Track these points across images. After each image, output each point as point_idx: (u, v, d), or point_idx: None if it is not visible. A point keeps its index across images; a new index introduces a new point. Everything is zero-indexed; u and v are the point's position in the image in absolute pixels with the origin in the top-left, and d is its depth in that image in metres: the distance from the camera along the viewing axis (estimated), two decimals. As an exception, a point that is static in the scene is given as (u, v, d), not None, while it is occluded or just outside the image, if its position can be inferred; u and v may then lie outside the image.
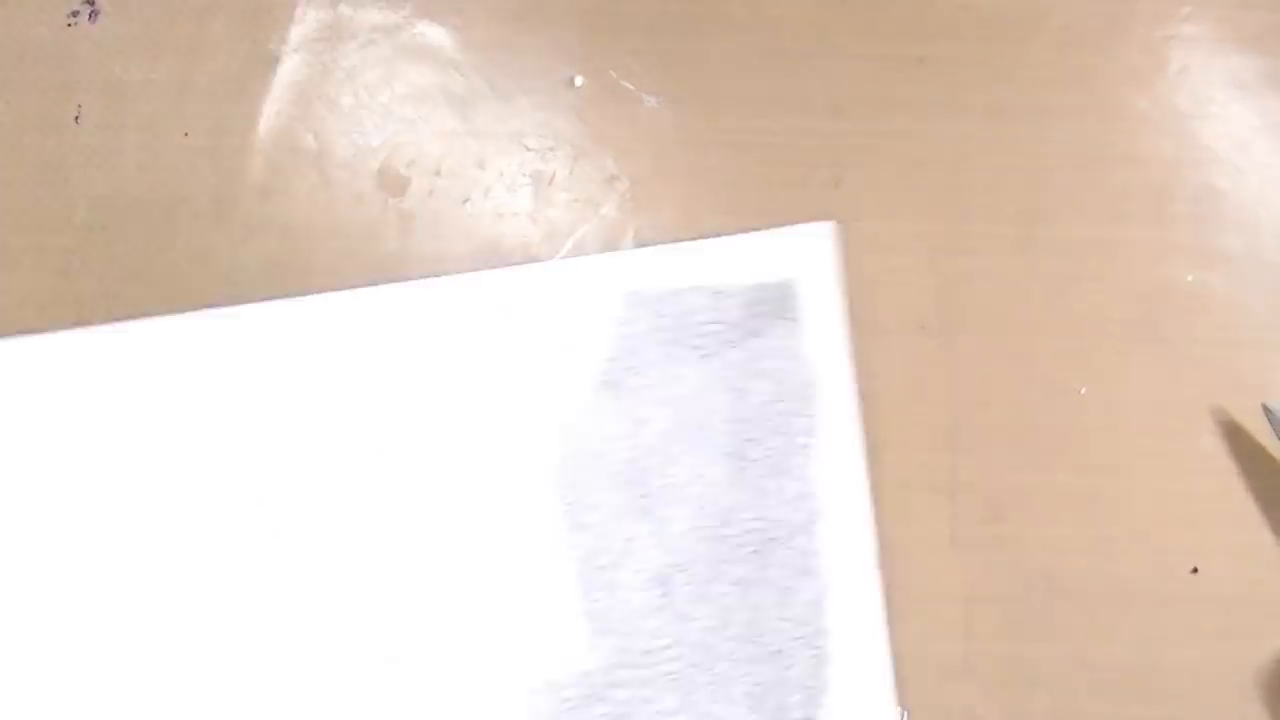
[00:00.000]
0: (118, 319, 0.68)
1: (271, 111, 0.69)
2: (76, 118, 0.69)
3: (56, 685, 0.58)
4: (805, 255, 0.62)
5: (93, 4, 0.69)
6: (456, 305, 0.61)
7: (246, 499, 0.60)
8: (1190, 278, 0.68)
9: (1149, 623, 0.67)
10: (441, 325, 0.61)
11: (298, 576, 0.59)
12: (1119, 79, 0.68)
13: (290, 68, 0.69)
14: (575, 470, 0.61)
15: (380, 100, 0.68)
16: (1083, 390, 0.67)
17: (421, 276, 0.64)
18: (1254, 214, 0.68)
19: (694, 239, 0.64)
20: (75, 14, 0.69)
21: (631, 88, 0.68)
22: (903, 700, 0.61)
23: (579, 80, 0.68)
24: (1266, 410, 0.66)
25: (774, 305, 0.61)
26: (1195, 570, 0.67)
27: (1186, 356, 0.67)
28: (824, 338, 0.62)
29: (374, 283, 0.63)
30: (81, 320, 0.68)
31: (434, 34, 0.69)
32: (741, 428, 0.61)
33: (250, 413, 0.61)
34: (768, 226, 0.64)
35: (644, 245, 0.65)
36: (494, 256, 0.66)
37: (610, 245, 0.66)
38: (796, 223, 0.64)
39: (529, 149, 0.67)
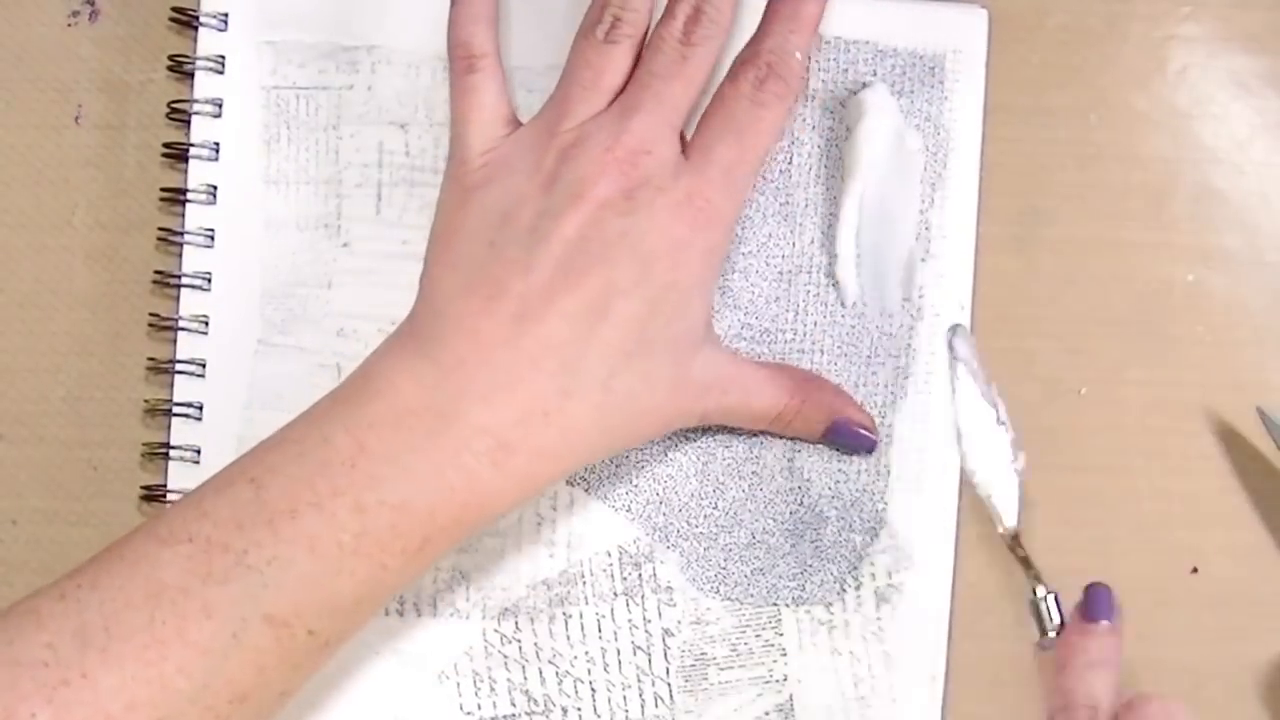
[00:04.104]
0: (119, 318, 0.68)
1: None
2: (76, 118, 0.69)
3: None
4: (960, 37, 0.68)
5: (93, 4, 0.69)
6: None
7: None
8: (1190, 278, 0.68)
9: (1149, 623, 0.67)
10: None
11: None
12: (1119, 79, 0.68)
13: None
14: None
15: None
16: (1083, 390, 0.68)
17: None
18: (1254, 214, 0.68)
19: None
20: (75, 14, 0.69)
21: None
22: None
23: None
24: (1261, 413, 0.66)
25: (925, 74, 0.68)
26: (1195, 570, 0.67)
27: (1186, 356, 0.67)
28: (963, 114, 0.68)
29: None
30: (81, 322, 0.68)
31: None
32: (876, 170, 0.67)
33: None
34: None
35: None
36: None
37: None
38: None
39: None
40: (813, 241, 0.68)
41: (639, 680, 0.67)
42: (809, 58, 0.64)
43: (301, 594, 0.55)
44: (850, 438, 0.66)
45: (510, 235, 0.59)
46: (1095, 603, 0.58)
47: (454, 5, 0.64)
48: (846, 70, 0.68)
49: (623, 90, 0.62)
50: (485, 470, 0.57)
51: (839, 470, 0.67)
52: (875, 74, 0.68)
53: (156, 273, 0.68)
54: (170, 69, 0.68)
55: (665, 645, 0.67)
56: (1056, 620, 0.59)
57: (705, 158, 0.61)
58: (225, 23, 0.68)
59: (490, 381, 0.57)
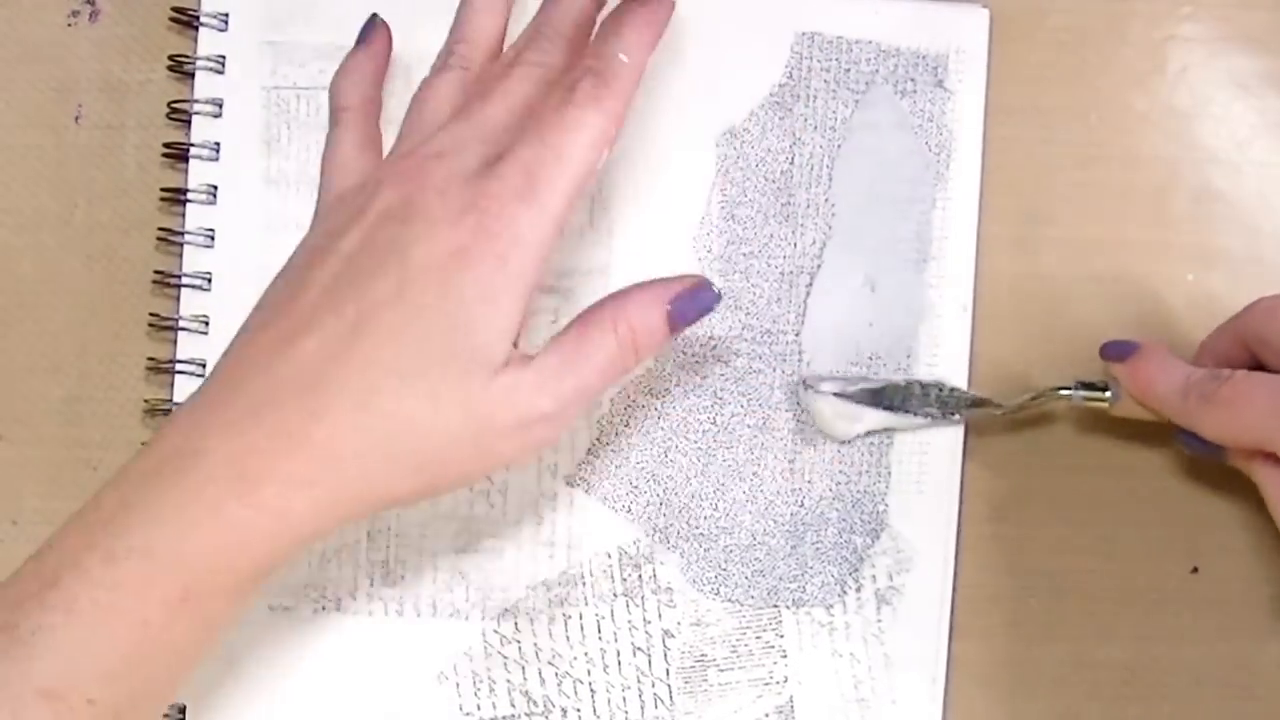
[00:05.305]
0: (119, 318, 0.68)
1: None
2: (76, 118, 0.69)
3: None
4: (962, 36, 0.68)
5: (93, 4, 0.69)
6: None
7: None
8: (1190, 278, 0.68)
9: (1149, 623, 0.67)
10: None
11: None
12: (1119, 79, 0.68)
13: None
14: (737, 170, 0.68)
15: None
16: (1083, 390, 0.68)
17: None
18: (1254, 214, 0.68)
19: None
20: (75, 14, 0.69)
21: None
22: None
23: None
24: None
25: (928, 73, 0.68)
26: (1195, 570, 0.67)
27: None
28: (965, 112, 0.68)
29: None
30: (81, 322, 0.68)
31: None
32: (880, 167, 0.68)
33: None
34: None
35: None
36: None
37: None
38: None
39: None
40: (814, 242, 0.68)
41: (639, 681, 0.67)
42: (640, 65, 0.57)
43: (67, 663, 0.51)
44: (694, 309, 0.57)
45: (303, 263, 0.56)
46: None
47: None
48: (849, 70, 0.68)
49: None
50: (232, 505, 0.52)
51: (840, 472, 0.67)
52: (878, 73, 0.68)
53: (156, 273, 0.68)
54: (170, 69, 0.68)
55: (665, 646, 0.67)
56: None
57: (504, 160, 0.55)
58: (225, 23, 0.68)
59: (238, 409, 0.53)
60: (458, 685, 0.67)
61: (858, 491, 0.67)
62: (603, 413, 0.68)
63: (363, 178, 0.58)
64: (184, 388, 0.67)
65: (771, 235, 0.68)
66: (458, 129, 0.56)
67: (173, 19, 0.69)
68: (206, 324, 0.67)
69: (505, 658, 0.67)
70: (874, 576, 0.67)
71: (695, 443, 0.68)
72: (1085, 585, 0.67)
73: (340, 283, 0.54)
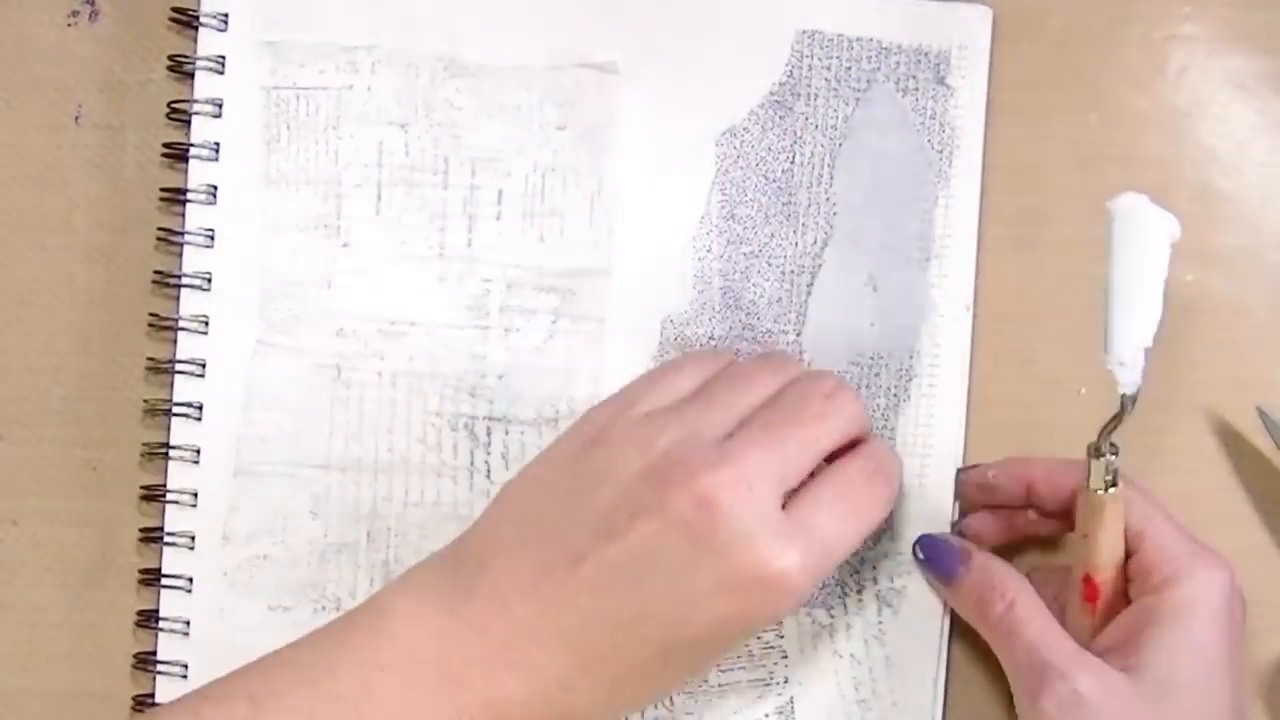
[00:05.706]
0: (119, 318, 0.68)
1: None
2: (76, 118, 0.69)
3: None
4: (964, 33, 0.68)
5: (93, 4, 0.69)
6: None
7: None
8: (1190, 278, 0.68)
9: (1149, 623, 0.67)
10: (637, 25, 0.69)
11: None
12: (1119, 79, 0.68)
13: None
14: (737, 169, 0.68)
15: None
16: (1082, 390, 0.67)
17: None
18: (1254, 214, 0.68)
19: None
20: (75, 14, 0.69)
21: None
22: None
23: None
24: (1260, 413, 0.66)
25: (930, 70, 0.68)
26: (1195, 570, 0.67)
27: (1186, 356, 0.67)
28: (968, 108, 0.68)
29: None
30: (81, 322, 0.68)
31: None
32: (882, 166, 0.68)
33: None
34: None
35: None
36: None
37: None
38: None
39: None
40: (815, 242, 0.68)
41: None
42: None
43: None
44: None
45: (586, 514, 0.56)
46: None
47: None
48: (850, 68, 0.68)
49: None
50: None
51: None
52: (879, 71, 0.68)
53: (156, 273, 0.68)
54: (170, 69, 0.68)
55: None
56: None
57: (809, 526, 0.56)
58: (225, 23, 0.68)
59: (505, 658, 0.55)
60: None
61: None
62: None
63: (667, 410, 0.59)
64: (184, 388, 0.67)
65: (772, 235, 0.68)
66: (769, 454, 0.56)
67: (172, 19, 0.69)
68: (206, 324, 0.67)
69: None
70: (875, 578, 0.67)
71: None
72: (1085, 585, 0.67)
73: (621, 576, 0.55)
